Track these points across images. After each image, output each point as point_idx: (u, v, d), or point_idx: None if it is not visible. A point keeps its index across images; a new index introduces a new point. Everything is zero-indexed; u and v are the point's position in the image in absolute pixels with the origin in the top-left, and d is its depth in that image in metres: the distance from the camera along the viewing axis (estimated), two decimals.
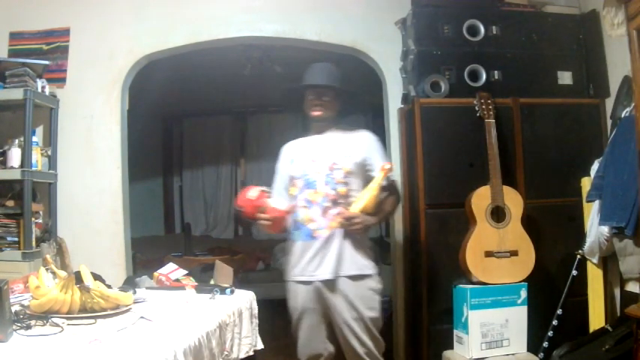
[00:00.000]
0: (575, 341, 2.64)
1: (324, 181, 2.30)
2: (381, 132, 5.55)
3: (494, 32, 3.16)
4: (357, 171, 2.33)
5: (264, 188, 2.30)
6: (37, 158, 3.11)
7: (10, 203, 3.04)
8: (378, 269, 2.36)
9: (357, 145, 2.37)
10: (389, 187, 2.39)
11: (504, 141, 2.99)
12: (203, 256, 5.10)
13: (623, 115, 2.78)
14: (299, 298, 2.33)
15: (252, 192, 2.24)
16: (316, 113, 2.40)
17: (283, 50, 4.76)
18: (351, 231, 2.24)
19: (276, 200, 2.34)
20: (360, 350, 2.25)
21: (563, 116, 3.14)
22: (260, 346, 2.33)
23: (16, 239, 2.99)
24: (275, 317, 4.77)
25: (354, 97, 2.55)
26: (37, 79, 3.14)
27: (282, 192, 2.44)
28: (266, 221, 2.26)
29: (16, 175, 2.99)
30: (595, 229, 2.70)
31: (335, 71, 2.45)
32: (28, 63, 3.12)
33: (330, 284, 2.26)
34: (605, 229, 2.62)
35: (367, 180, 2.34)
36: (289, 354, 4.06)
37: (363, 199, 2.25)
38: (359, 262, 2.28)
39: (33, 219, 3.04)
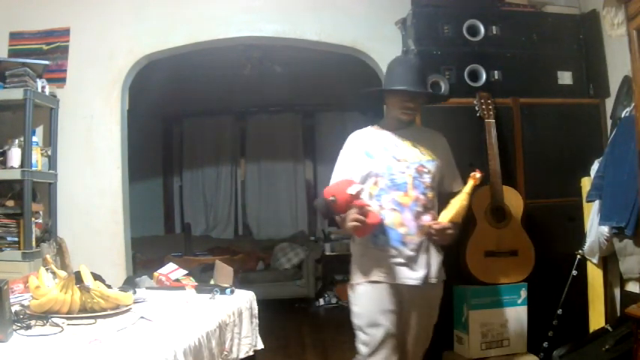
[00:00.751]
0: (575, 341, 2.65)
1: (413, 183, 2.13)
2: None
3: (494, 32, 3.16)
4: (438, 177, 2.22)
5: (361, 187, 2.06)
6: (37, 158, 3.11)
7: (10, 203, 3.04)
8: None
9: (438, 150, 2.26)
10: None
11: (504, 141, 2.99)
12: (203, 256, 5.11)
13: (623, 115, 2.78)
14: (378, 300, 2.11)
15: (354, 188, 1.99)
16: (408, 117, 2.22)
17: (283, 50, 4.77)
18: (439, 242, 2.14)
19: (373, 205, 2.12)
20: (421, 353, 2.31)
21: (563, 116, 3.14)
22: (260, 346, 2.33)
23: (16, 239, 3.00)
24: (275, 317, 4.77)
25: (434, 100, 2.62)
26: (37, 79, 3.14)
27: None
28: (360, 223, 2.00)
29: (16, 175, 2.99)
30: (595, 229, 2.70)
31: (422, 69, 2.30)
32: (28, 63, 3.12)
33: (417, 290, 2.12)
34: (605, 229, 2.62)
35: (438, 188, 2.24)
36: (289, 354, 4.08)
37: (453, 208, 2.10)
38: (441, 269, 2.20)
39: (33, 219, 3.04)
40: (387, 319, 2.09)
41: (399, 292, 2.12)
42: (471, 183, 2.15)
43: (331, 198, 1.98)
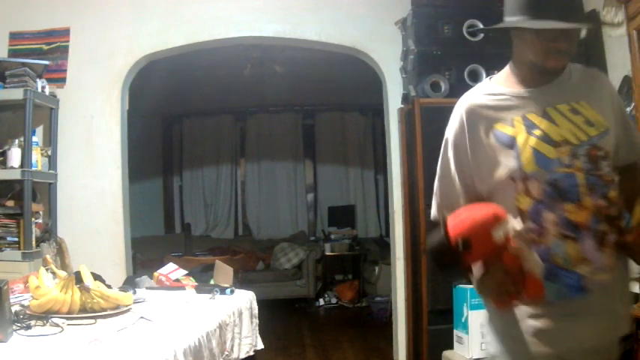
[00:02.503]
0: None
1: (587, 182, 1.22)
2: (381, 132, 5.58)
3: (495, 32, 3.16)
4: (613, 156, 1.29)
5: (509, 223, 1.24)
6: (37, 158, 3.11)
7: (10, 203, 3.04)
8: None
9: (606, 105, 1.32)
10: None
11: None
12: (203, 256, 5.11)
13: None
14: None
15: (501, 228, 1.19)
16: (557, 63, 1.27)
17: (283, 50, 4.77)
18: None
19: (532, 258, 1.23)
20: None
21: None
22: (260, 346, 2.33)
23: (16, 239, 2.99)
24: (275, 317, 4.77)
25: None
26: (37, 79, 3.14)
27: (460, 202, 1.37)
28: (514, 296, 1.25)
29: (16, 175, 2.99)
30: None
31: None
32: (28, 63, 3.12)
33: (594, 351, 1.28)
34: None
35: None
36: (289, 354, 4.08)
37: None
38: (630, 316, 1.41)
39: (33, 219, 3.03)
40: None
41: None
42: None
43: (460, 241, 1.17)
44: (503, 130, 1.27)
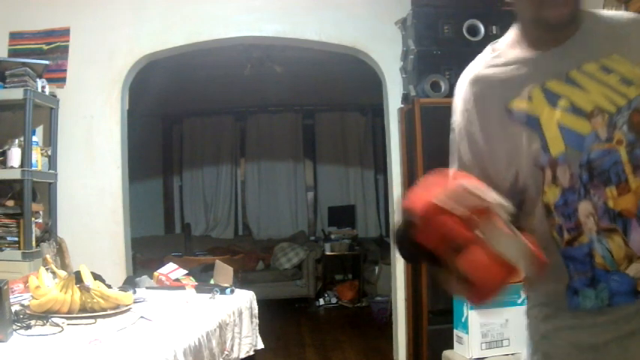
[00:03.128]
0: None
1: (630, 158, 0.93)
2: (381, 132, 5.57)
3: (494, 32, 3.16)
4: None
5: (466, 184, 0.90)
6: (37, 158, 3.11)
7: (10, 203, 3.04)
8: None
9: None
10: None
11: None
12: (203, 256, 5.10)
13: None
14: None
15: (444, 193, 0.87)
16: (556, 12, 0.94)
17: (283, 50, 4.77)
18: None
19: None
20: None
21: None
22: (260, 345, 2.33)
23: (16, 239, 2.99)
24: (275, 317, 4.77)
25: None
26: (37, 79, 3.14)
27: None
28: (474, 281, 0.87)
29: (16, 175, 2.99)
30: None
31: None
32: (28, 63, 3.11)
33: None
34: None
35: None
36: (289, 354, 4.09)
37: None
38: None
39: (33, 219, 3.03)
40: None
41: None
42: None
43: (409, 213, 0.89)
44: (520, 106, 0.98)
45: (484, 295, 0.88)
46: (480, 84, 1.04)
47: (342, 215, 6.65)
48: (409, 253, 0.99)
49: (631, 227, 0.92)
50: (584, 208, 0.94)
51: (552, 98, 0.96)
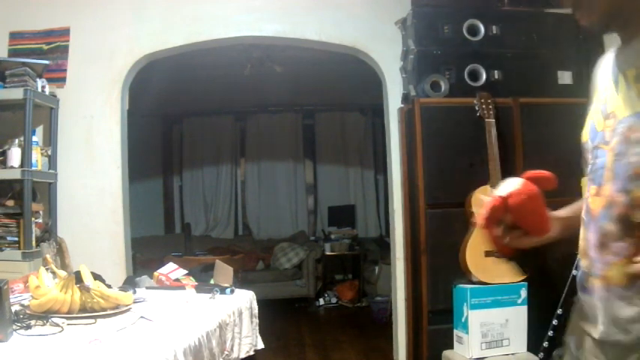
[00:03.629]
0: None
1: (614, 167, 0.99)
2: (381, 132, 5.57)
3: (494, 32, 3.16)
4: None
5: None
6: (37, 158, 3.11)
7: (10, 203, 3.04)
8: None
9: None
10: None
11: (504, 141, 2.99)
12: (203, 256, 5.10)
13: None
14: None
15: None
16: (588, 20, 1.04)
17: (283, 50, 4.77)
18: None
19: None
20: None
21: (563, 116, 3.14)
22: (260, 345, 2.33)
23: (16, 239, 2.99)
24: (275, 317, 4.77)
25: None
26: (37, 79, 3.14)
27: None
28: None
29: (16, 174, 2.99)
30: None
31: None
32: (28, 63, 3.11)
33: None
34: None
35: None
36: (289, 354, 4.09)
37: None
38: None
39: (33, 219, 3.03)
40: None
41: None
42: None
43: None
44: (594, 94, 1.12)
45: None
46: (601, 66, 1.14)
47: (342, 215, 6.65)
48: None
49: (590, 226, 1.03)
50: (587, 200, 1.06)
51: (601, 92, 1.07)
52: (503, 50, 3.19)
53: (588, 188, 1.06)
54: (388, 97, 3.49)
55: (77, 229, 3.29)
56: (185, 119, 7.04)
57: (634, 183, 0.95)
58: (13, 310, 1.56)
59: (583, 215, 1.07)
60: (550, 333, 2.87)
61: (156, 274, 2.49)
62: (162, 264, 2.63)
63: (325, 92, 6.45)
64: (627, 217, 0.96)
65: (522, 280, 2.78)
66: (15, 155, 3.02)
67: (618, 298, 0.97)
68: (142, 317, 1.71)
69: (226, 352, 1.90)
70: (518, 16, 3.26)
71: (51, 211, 3.24)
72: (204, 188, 7.00)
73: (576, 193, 3.20)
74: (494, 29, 3.16)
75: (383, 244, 5.95)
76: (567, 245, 3.09)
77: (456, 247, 2.83)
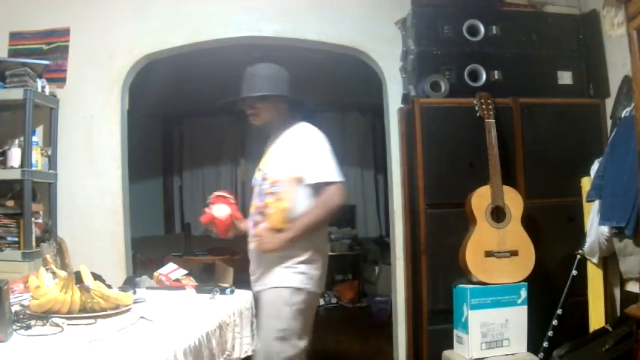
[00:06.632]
0: (575, 341, 2.65)
1: (257, 192, 2.23)
2: (381, 132, 5.56)
3: (494, 32, 3.16)
4: (286, 181, 2.11)
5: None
6: (37, 158, 3.11)
7: (10, 203, 3.04)
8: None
9: (287, 150, 2.16)
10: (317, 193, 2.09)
11: (504, 141, 2.99)
12: (203, 256, 5.10)
13: (623, 115, 2.79)
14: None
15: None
16: (252, 122, 2.34)
17: (283, 50, 4.76)
18: (263, 251, 2.09)
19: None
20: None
21: (563, 116, 3.14)
22: None
23: (16, 239, 2.99)
24: None
25: (297, 102, 2.38)
26: (37, 79, 3.14)
27: None
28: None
29: (16, 175, 2.99)
30: (595, 229, 2.71)
31: (266, 73, 2.39)
32: (28, 63, 3.12)
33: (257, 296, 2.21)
34: (605, 229, 2.62)
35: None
36: None
37: (270, 214, 2.11)
38: (271, 276, 2.12)
39: (33, 219, 3.03)
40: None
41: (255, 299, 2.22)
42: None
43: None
44: None
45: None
46: None
47: (342, 215, 6.64)
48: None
49: (250, 220, 2.31)
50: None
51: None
52: (503, 50, 3.19)
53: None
54: (388, 98, 3.49)
55: (77, 229, 3.29)
56: (185, 119, 7.04)
57: (266, 197, 2.12)
58: (13, 310, 1.56)
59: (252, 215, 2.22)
60: (550, 333, 2.87)
61: (156, 274, 2.49)
62: (162, 264, 2.63)
63: (325, 92, 6.45)
64: (261, 212, 2.14)
65: (522, 281, 2.78)
66: (15, 155, 3.02)
67: None
68: (142, 317, 1.71)
69: (227, 353, 1.90)
70: (518, 16, 3.27)
71: (51, 212, 3.24)
72: (204, 188, 6.99)
73: (576, 193, 3.21)
74: (494, 29, 3.16)
75: (383, 245, 5.95)
76: (567, 245, 3.10)
77: (456, 247, 2.83)
